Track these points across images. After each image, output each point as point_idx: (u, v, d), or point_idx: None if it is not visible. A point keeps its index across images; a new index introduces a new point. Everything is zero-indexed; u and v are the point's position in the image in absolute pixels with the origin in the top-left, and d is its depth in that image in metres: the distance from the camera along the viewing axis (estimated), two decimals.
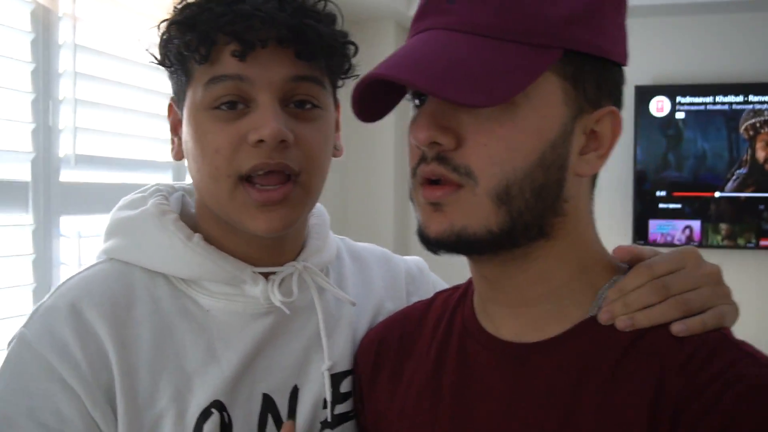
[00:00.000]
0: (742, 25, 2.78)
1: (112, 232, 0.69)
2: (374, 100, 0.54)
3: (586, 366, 0.51)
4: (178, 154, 0.68)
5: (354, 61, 0.68)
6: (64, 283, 0.67)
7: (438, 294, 0.69)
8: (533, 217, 0.50)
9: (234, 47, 0.59)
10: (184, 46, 0.61)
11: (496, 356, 0.56)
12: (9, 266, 1.31)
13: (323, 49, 0.62)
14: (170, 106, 0.69)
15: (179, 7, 0.65)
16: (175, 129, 0.68)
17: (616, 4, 0.54)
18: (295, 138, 0.60)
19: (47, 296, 0.65)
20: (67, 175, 1.41)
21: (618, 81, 0.55)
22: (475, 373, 0.57)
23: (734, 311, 0.57)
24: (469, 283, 0.63)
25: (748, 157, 2.69)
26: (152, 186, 0.72)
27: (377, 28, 2.85)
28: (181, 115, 0.66)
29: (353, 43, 0.68)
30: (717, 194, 2.72)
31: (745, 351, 0.51)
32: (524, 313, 0.55)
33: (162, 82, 1.17)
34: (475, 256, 0.54)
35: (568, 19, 0.48)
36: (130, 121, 1.55)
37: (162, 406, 0.61)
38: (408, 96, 0.55)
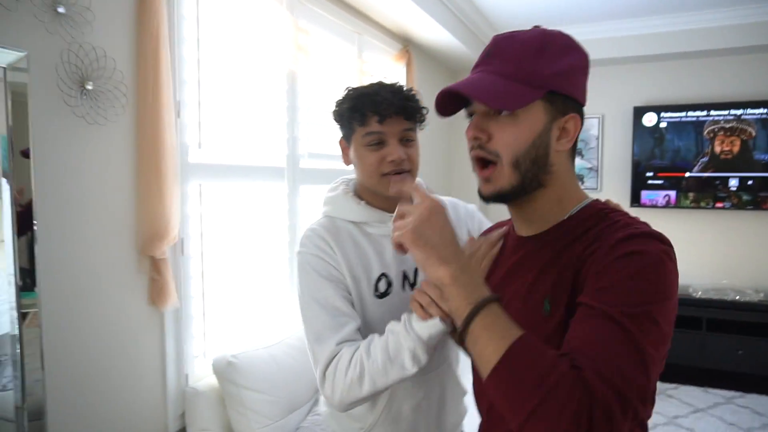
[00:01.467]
0: (705, 65, 4.12)
1: (325, 202, 1.24)
2: (446, 105, 0.88)
3: (552, 246, 0.84)
4: (347, 163, 1.23)
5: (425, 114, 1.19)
6: (311, 225, 1.20)
7: (501, 222, 1.06)
8: (533, 175, 0.83)
9: (377, 117, 1.12)
10: (352, 116, 1.14)
11: (514, 241, 0.94)
12: (274, 213, 2.28)
13: (414, 113, 1.16)
14: (341, 141, 1.22)
15: (349, 93, 1.17)
16: (345, 151, 1.22)
17: (580, 71, 0.85)
18: (407, 156, 1.14)
19: (306, 230, 1.20)
20: (304, 163, 2.44)
21: (578, 107, 0.85)
22: (505, 251, 0.96)
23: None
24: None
25: (709, 151, 4.06)
26: (340, 179, 1.28)
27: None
28: (348, 145, 1.19)
29: (424, 107, 1.19)
30: (687, 174, 4.09)
31: (644, 231, 0.76)
32: (529, 224, 0.90)
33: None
34: (508, 203, 0.89)
35: (551, 76, 0.81)
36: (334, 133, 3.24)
37: (359, 274, 1.14)
38: (464, 113, 0.88)
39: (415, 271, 1.20)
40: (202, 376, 1.93)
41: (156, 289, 1.73)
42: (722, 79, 4.10)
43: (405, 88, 1.17)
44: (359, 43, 2.99)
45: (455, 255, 0.77)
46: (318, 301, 1.10)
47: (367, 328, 1.14)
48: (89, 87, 1.51)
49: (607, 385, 0.62)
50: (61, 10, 1.42)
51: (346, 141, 1.21)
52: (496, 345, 0.68)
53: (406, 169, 1.14)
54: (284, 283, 2.39)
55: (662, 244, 0.75)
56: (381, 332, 1.04)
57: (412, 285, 1.19)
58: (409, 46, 3.51)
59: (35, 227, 1.37)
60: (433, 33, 3.47)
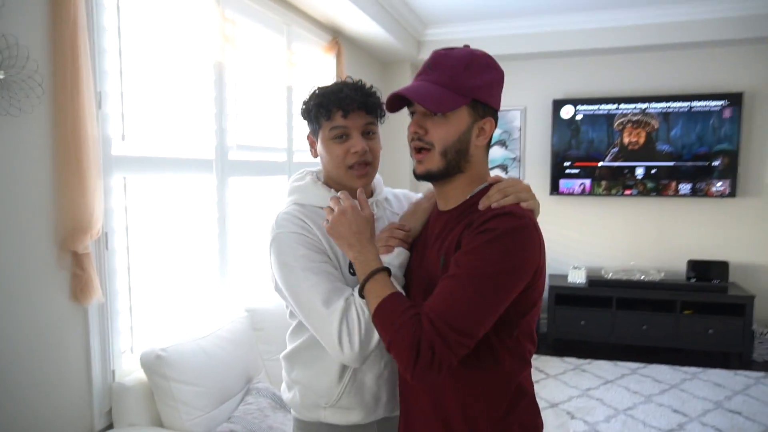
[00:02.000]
0: (617, 61, 4.44)
1: (292, 191, 1.30)
2: (393, 104, 1.11)
3: (455, 220, 1.08)
4: (314, 156, 1.31)
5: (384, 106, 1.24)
6: (283, 210, 1.25)
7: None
8: (455, 162, 1.06)
9: (341, 112, 1.21)
10: (318, 111, 1.23)
11: (435, 216, 1.18)
12: (203, 205, 2.26)
13: (375, 107, 1.25)
14: (309, 136, 1.31)
15: (315, 92, 1.25)
16: (312, 145, 1.31)
17: (497, 84, 1.08)
18: (369, 148, 1.23)
19: (277, 215, 1.23)
20: (232, 155, 2.42)
21: (494, 113, 1.09)
22: (428, 223, 1.20)
23: (534, 201, 1.06)
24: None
25: (619, 141, 4.38)
26: (304, 170, 1.34)
27: (399, 68, 4.60)
28: (315, 140, 1.27)
29: (382, 102, 1.26)
30: (600, 164, 4.40)
31: (505, 211, 0.99)
32: (446, 202, 1.13)
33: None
34: (433, 182, 1.12)
35: (475, 88, 1.04)
36: (263, 124, 2.77)
37: (337, 251, 1.21)
38: (407, 110, 1.11)
39: None
40: (129, 371, 1.90)
41: (79, 285, 1.69)
42: (631, 74, 4.43)
43: (366, 86, 1.26)
44: (288, 34, 2.98)
45: (358, 241, 1.10)
46: (312, 270, 1.14)
47: None
48: (0, 76, 1.45)
49: (432, 326, 0.93)
50: None
51: (313, 136, 1.30)
52: (374, 301, 1.02)
53: (368, 161, 1.24)
54: (214, 276, 2.38)
55: (516, 219, 0.97)
56: None
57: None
58: (338, 38, 3.54)
59: None
60: (363, 25, 3.51)
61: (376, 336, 1.08)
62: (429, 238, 1.16)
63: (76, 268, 1.69)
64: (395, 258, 1.16)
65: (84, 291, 1.70)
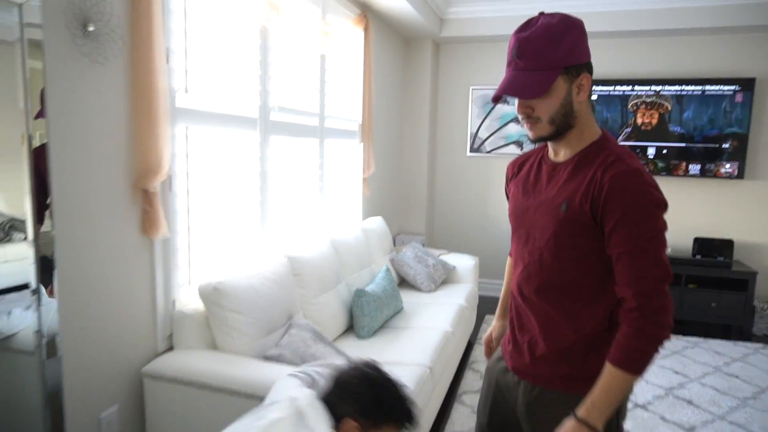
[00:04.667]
0: (632, 45, 4.58)
1: None
2: (496, 97, 1.19)
3: (573, 169, 1.21)
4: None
5: None
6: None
7: (533, 150, 1.39)
8: (564, 124, 1.18)
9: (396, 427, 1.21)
10: (389, 414, 1.20)
11: (550, 166, 1.28)
12: (248, 160, 2.48)
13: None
14: (348, 421, 1.17)
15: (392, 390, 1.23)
16: (346, 426, 1.17)
17: (581, 40, 1.15)
18: None
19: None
20: (274, 116, 2.66)
21: (589, 66, 1.17)
22: (542, 172, 1.30)
23: None
24: (541, 149, 1.34)
25: (632, 122, 4.54)
26: None
27: (421, 45, 4.76)
28: (360, 423, 1.17)
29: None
30: None
31: (621, 157, 1.14)
32: (561, 153, 1.25)
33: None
34: (548, 141, 1.24)
35: (562, 57, 1.13)
36: (300, 89, 3.17)
37: None
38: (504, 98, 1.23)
39: None
40: (186, 302, 2.12)
41: (148, 220, 1.90)
42: (646, 57, 4.56)
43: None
44: (323, 5, 3.16)
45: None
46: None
47: None
48: (91, 28, 1.65)
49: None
50: None
51: (361, 419, 1.19)
52: (624, 378, 1.09)
53: None
54: (256, 223, 2.59)
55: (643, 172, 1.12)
56: None
57: None
58: (367, 12, 3.71)
59: (51, 164, 1.52)
60: (390, 0, 3.67)
61: None
62: (542, 184, 1.28)
63: (146, 205, 1.90)
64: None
65: (152, 226, 1.91)
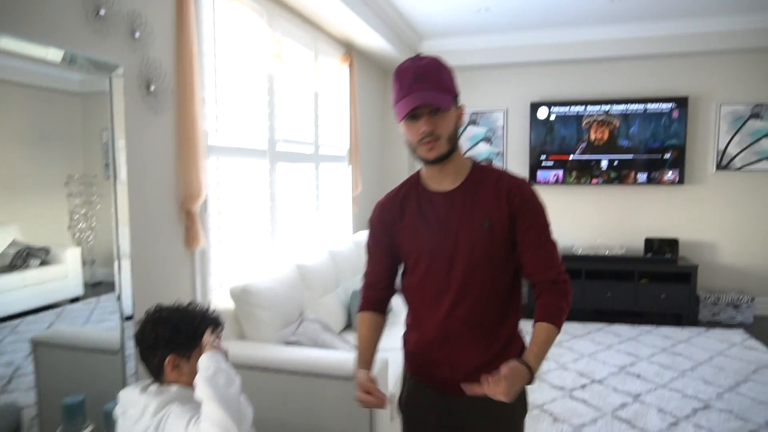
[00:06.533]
0: (585, 70, 5.20)
1: None
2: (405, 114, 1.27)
3: (472, 190, 1.35)
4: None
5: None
6: None
7: (402, 185, 1.46)
8: (453, 145, 1.32)
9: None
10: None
11: (441, 196, 1.37)
12: (257, 185, 3.18)
13: None
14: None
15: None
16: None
17: (455, 80, 1.34)
18: None
19: None
20: (279, 147, 3.43)
21: (459, 99, 1.34)
22: (435, 204, 1.38)
23: None
24: (415, 177, 1.43)
25: (586, 138, 5.14)
26: None
27: None
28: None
29: None
30: (571, 157, 5.17)
31: (505, 173, 1.38)
32: (447, 179, 1.37)
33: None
34: (437, 164, 1.34)
35: (453, 85, 1.31)
36: (302, 123, 3.95)
37: None
38: (400, 116, 1.28)
39: None
40: (218, 303, 2.60)
41: (190, 235, 2.39)
42: (597, 81, 5.21)
43: None
44: (315, 49, 3.70)
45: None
46: None
47: None
48: (152, 88, 2.15)
49: (565, 280, 1.36)
50: (137, 35, 2.06)
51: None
52: (549, 331, 1.32)
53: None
54: (267, 238, 3.09)
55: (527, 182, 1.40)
56: None
57: None
58: (351, 50, 4.27)
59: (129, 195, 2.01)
60: (370, 39, 4.24)
61: None
62: (443, 214, 1.37)
63: (189, 222, 2.39)
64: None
65: (194, 239, 2.40)
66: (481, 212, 1.33)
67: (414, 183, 1.43)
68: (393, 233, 1.43)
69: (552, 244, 1.37)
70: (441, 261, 1.35)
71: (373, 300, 1.50)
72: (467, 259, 1.33)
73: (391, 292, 1.53)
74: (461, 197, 1.36)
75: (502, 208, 1.33)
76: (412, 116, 1.29)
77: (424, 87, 1.26)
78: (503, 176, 1.37)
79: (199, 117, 2.34)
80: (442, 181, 1.38)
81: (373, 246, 1.49)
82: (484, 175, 1.38)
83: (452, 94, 1.31)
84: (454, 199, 1.36)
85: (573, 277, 4.91)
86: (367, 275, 1.52)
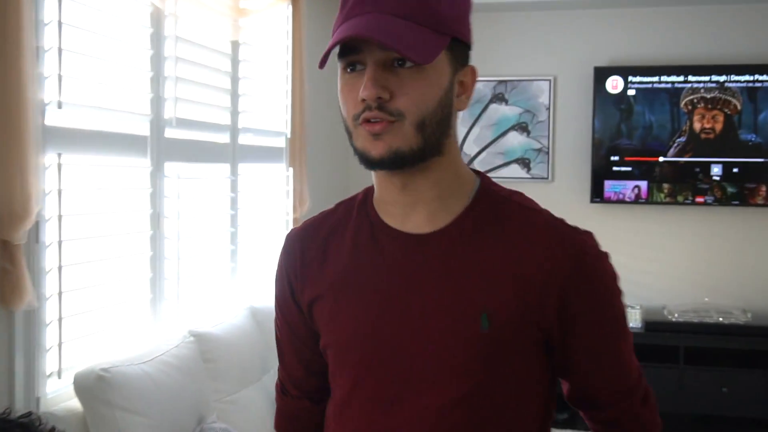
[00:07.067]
0: (683, 16, 5.20)
1: None
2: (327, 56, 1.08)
3: (471, 247, 1.17)
4: None
5: None
6: None
7: (339, 205, 1.33)
8: (436, 140, 1.12)
9: None
10: None
11: (403, 244, 1.20)
12: (132, 196, 2.95)
13: None
14: None
15: None
16: None
17: (470, 12, 1.19)
18: None
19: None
20: (169, 133, 3.09)
21: (469, 53, 1.19)
22: (387, 257, 1.20)
23: None
24: (364, 194, 1.30)
25: (687, 128, 5.13)
26: None
27: None
28: None
29: None
30: (661, 159, 5.15)
31: (553, 219, 1.20)
32: (422, 210, 1.18)
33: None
34: (398, 169, 1.12)
35: (454, 18, 1.12)
36: (210, 95, 3.68)
37: None
38: (339, 63, 1.13)
39: None
40: (56, 401, 2.53)
41: (9, 284, 2.31)
42: (704, 34, 5.22)
43: None
44: None
45: None
46: None
47: None
48: None
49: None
50: None
51: None
52: None
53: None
54: (145, 285, 3.04)
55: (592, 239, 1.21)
56: None
57: None
58: None
59: None
60: None
61: None
62: (390, 281, 1.19)
63: (6, 263, 2.31)
64: None
65: (14, 291, 2.32)
66: (483, 294, 1.14)
67: (359, 205, 1.29)
68: (302, 301, 1.29)
69: (627, 353, 1.26)
70: (382, 372, 1.18)
71: (292, 417, 1.46)
72: (433, 383, 1.15)
73: (324, 404, 1.38)
74: (445, 253, 1.17)
75: (533, 292, 1.14)
76: (350, 65, 1.11)
77: (383, 8, 1.06)
78: (545, 221, 1.20)
79: (27, 80, 2.28)
80: (409, 213, 1.20)
81: (280, 324, 1.39)
82: (500, 210, 1.21)
83: (447, 35, 1.10)
84: (428, 253, 1.18)
85: (665, 360, 4.87)
86: (280, 375, 1.46)
